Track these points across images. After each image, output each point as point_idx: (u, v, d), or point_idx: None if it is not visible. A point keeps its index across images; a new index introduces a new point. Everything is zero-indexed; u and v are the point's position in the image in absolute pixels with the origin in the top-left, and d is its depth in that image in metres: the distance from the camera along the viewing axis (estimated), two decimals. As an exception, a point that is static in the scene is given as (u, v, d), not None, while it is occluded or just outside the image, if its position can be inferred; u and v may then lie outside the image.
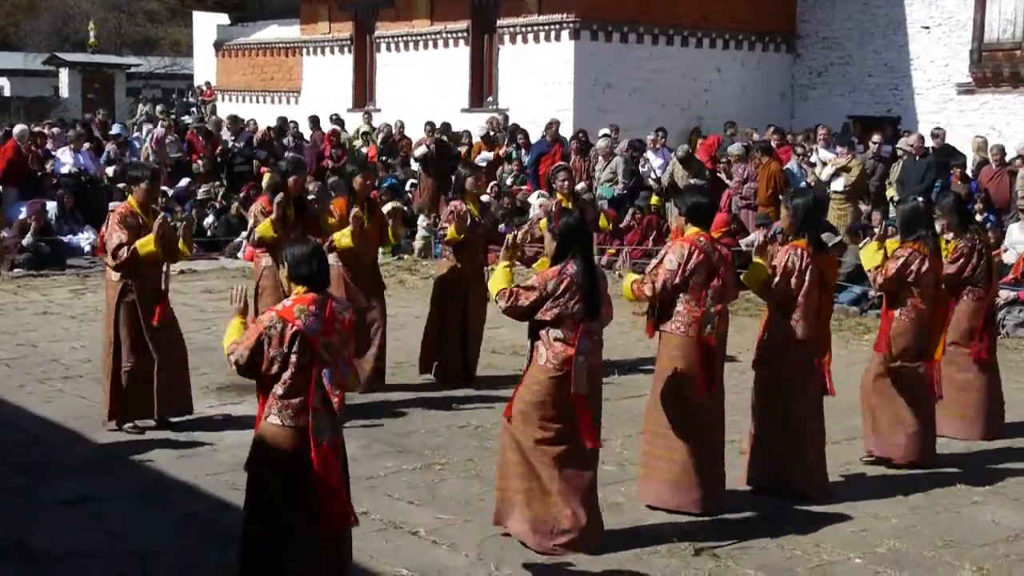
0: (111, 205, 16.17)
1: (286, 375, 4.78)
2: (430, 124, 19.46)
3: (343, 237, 8.69)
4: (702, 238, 6.41)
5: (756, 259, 6.77)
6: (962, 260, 7.91)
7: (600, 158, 17.10)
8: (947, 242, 7.98)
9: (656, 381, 6.50)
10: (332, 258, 8.22)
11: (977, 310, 8.01)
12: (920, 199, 8.26)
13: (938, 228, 7.72)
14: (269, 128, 20.72)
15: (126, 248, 7.55)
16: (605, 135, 17.72)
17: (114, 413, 7.81)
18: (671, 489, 6.43)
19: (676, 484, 6.40)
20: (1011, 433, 8.28)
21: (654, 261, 6.51)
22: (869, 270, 7.43)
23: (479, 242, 9.48)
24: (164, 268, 7.85)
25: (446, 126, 19.59)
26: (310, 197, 11.35)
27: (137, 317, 7.72)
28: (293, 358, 4.76)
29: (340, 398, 4.83)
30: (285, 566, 4.83)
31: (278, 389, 4.81)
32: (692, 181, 15.96)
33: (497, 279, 5.92)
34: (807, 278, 6.58)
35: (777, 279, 6.64)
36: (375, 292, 9.13)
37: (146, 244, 7.57)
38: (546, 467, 5.75)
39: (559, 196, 10.42)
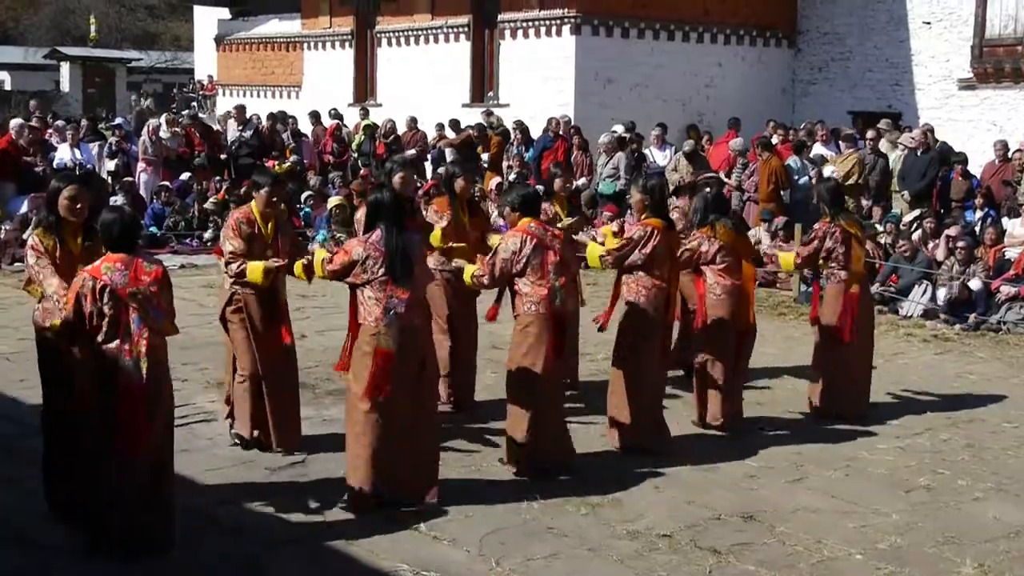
0: (112, 198, 16.30)
1: (103, 324, 5.48)
2: (452, 122, 19.43)
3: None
4: (533, 224, 7.00)
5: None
6: (815, 242, 8.51)
7: (603, 153, 17.07)
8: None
9: (511, 355, 6.99)
10: (432, 261, 7.69)
11: (838, 293, 8.42)
12: (709, 191, 8.82)
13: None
14: (271, 116, 20.65)
15: (236, 263, 7.05)
16: (626, 132, 17.58)
17: (230, 414, 7.51)
18: (520, 448, 6.93)
19: (527, 445, 6.89)
20: (1013, 429, 8.30)
21: (492, 253, 7.10)
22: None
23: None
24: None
25: (455, 122, 19.47)
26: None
27: (247, 328, 7.19)
28: (106, 309, 5.47)
29: (148, 340, 5.47)
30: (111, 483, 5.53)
31: (99, 338, 5.49)
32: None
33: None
34: (649, 250, 7.36)
35: (620, 249, 7.45)
36: (470, 297, 8.33)
37: (254, 272, 6.99)
38: (376, 425, 6.22)
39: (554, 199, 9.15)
